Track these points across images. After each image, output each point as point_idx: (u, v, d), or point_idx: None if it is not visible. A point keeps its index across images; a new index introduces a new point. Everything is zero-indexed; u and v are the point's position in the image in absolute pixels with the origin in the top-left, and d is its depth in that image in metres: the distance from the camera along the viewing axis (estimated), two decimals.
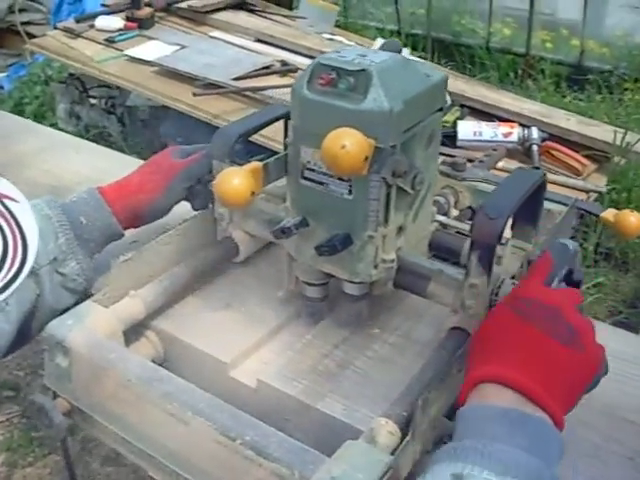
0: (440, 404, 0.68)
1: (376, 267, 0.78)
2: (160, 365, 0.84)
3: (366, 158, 0.63)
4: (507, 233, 0.89)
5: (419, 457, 0.67)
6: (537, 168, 2.06)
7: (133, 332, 0.84)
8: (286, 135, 0.83)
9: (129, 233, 0.93)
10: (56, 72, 3.30)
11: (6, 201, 0.57)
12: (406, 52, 2.73)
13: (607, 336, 0.88)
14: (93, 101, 3.17)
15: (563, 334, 0.62)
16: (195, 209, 0.96)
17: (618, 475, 0.71)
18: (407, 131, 0.73)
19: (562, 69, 3.85)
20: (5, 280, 0.55)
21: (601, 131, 2.28)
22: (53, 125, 3.15)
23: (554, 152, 2.11)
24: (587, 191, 2.01)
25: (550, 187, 0.91)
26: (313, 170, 0.75)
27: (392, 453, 0.63)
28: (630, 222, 0.90)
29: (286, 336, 0.85)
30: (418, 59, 2.60)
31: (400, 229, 0.79)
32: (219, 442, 0.65)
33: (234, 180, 0.71)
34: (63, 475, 1.73)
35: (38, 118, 3.20)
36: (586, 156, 2.18)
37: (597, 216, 0.97)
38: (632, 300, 2.43)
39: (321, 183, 0.75)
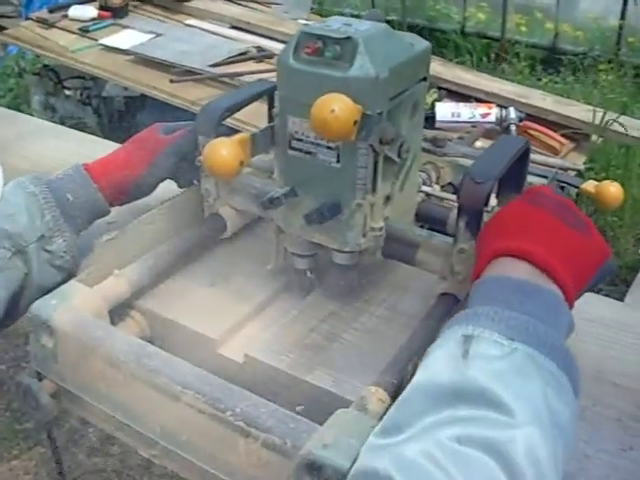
0: None
1: (365, 235, 0.78)
2: None
3: (355, 122, 0.63)
4: (493, 201, 0.90)
5: None
6: None
7: (118, 313, 0.83)
8: (271, 107, 0.82)
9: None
10: (30, 64, 3.25)
11: None
12: None
13: (592, 303, 0.89)
14: (68, 92, 3.13)
15: (575, 222, 0.65)
16: (181, 186, 0.95)
17: (607, 436, 0.71)
18: (393, 99, 0.73)
19: (537, 52, 3.88)
20: None
21: (578, 110, 2.29)
22: None
23: (532, 132, 2.12)
24: (565, 169, 2.01)
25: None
26: (301, 140, 0.74)
27: None
28: (610, 192, 0.90)
29: (273, 311, 0.85)
30: None
31: (387, 198, 0.79)
32: (209, 415, 0.64)
33: (222, 150, 0.70)
34: (49, 467, 1.71)
35: (13, 110, 3.15)
36: (564, 135, 2.19)
37: (577, 188, 0.97)
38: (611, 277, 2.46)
39: (309, 153, 0.74)
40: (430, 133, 1.01)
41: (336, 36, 0.69)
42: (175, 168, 0.91)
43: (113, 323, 0.81)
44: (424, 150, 0.98)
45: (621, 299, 2.16)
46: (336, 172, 0.73)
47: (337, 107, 0.61)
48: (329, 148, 0.73)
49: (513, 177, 0.85)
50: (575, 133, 2.23)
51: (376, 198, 0.76)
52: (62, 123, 3.06)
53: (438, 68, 2.42)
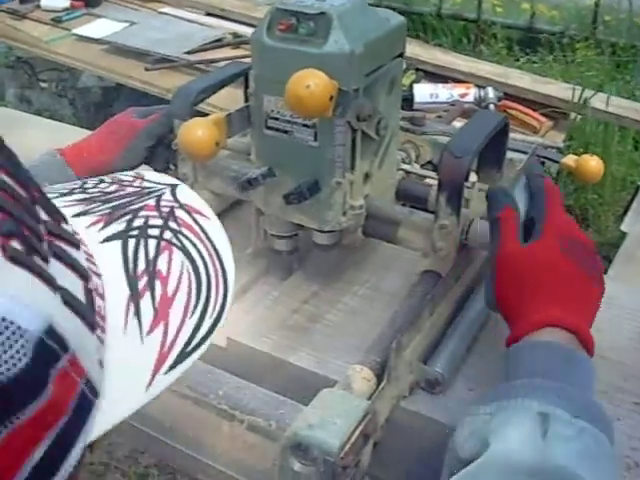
0: (414, 348, 0.68)
1: (345, 214, 0.77)
2: None
3: (331, 98, 0.62)
4: (473, 177, 0.89)
5: (396, 402, 0.67)
6: None
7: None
8: (247, 86, 0.81)
9: None
10: (2, 57, 3.21)
11: (197, 217, 0.45)
12: None
13: None
14: (43, 85, 3.09)
15: (596, 273, 0.67)
16: (157, 171, 0.94)
17: None
18: (369, 75, 0.72)
19: (514, 33, 3.87)
20: (214, 315, 0.41)
21: (556, 88, 2.29)
22: None
23: (511, 111, 2.12)
24: (545, 147, 2.02)
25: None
26: (277, 119, 0.74)
27: (369, 399, 0.63)
28: (590, 166, 0.90)
29: (255, 294, 0.84)
30: None
31: (367, 176, 0.78)
32: (192, 399, 0.64)
33: (198, 131, 0.69)
34: None
35: None
36: (542, 114, 2.19)
37: (558, 162, 0.97)
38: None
39: (286, 132, 0.74)
40: (408, 113, 1.00)
41: (310, 12, 0.68)
42: (150, 152, 0.90)
43: None
44: (403, 129, 0.98)
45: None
46: (314, 151, 0.73)
47: (312, 83, 0.60)
48: (306, 126, 0.72)
49: (492, 152, 0.85)
50: (554, 111, 2.23)
51: (355, 176, 0.75)
52: (38, 115, 3.03)
53: (416, 49, 2.41)
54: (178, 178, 0.89)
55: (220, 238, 0.44)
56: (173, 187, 0.47)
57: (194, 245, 0.42)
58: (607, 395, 0.72)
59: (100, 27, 2.52)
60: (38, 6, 2.69)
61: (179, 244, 0.42)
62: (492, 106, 2.09)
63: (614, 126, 2.48)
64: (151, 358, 0.38)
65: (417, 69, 2.28)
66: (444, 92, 2.10)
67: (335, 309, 0.81)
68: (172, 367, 0.38)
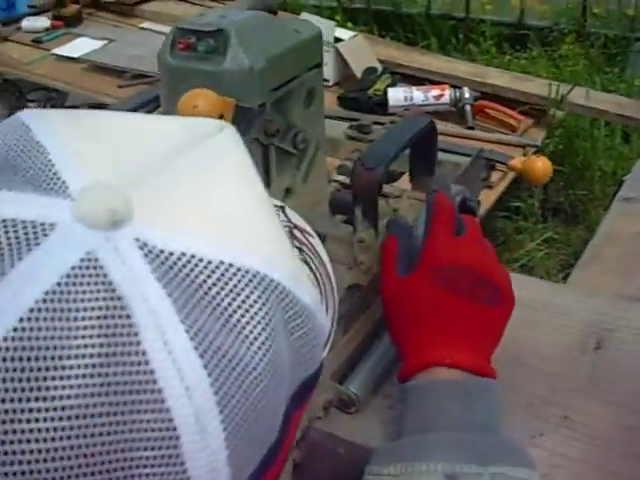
0: (325, 367, 0.67)
1: None
2: None
3: (221, 117, 0.61)
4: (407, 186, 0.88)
5: (308, 424, 0.66)
6: (471, 128, 2.05)
7: None
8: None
9: None
10: None
11: (307, 237, 0.45)
12: (345, 32, 2.71)
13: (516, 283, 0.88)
14: (31, 105, 3.11)
15: (487, 294, 0.63)
16: None
17: (518, 423, 0.69)
18: (277, 89, 0.71)
19: (503, 29, 3.85)
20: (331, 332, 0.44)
21: (536, 85, 2.28)
22: None
23: (488, 110, 2.11)
24: (523, 146, 2.01)
25: (486, 145, 0.91)
26: None
27: None
28: (537, 167, 0.89)
29: None
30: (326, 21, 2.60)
31: (288, 190, 0.78)
32: None
33: None
34: None
35: None
36: (523, 112, 2.18)
37: (505, 164, 0.97)
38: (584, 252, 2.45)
39: None
40: (355, 122, 0.99)
41: (207, 29, 0.68)
42: None
43: None
44: (349, 137, 0.98)
45: None
46: None
47: (200, 102, 0.60)
48: None
49: (422, 158, 0.84)
50: (534, 109, 2.22)
51: (271, 192, 0.74)
52: None
53: (394, 53, 2.42)
54: None
55: (325, 256, 0.46)
56: (283, 208, 0.48)
57: (313, 264, 0.44)
58: (532, 409, 0.71)
59: (79, 46, 2.54)
60: (19, 28, 2.72)
61: (303, 258, 0.43)
62: (468, 107, 2.09)
63: (601, 121, 2.46)
64: None
65: (393, 72, 2.27)
66: (419, 95, 2.09)
67: None
68: None
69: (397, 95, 2.08)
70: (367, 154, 0.72)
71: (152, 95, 0.89)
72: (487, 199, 1.81)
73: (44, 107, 3.08)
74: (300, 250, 0.43)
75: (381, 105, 2.06)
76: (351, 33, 2.50)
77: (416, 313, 0.63)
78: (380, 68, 2.32)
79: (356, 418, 0.68)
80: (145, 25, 2.76)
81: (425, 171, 0.85)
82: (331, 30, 2.32)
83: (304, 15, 2.40)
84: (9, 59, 2.55)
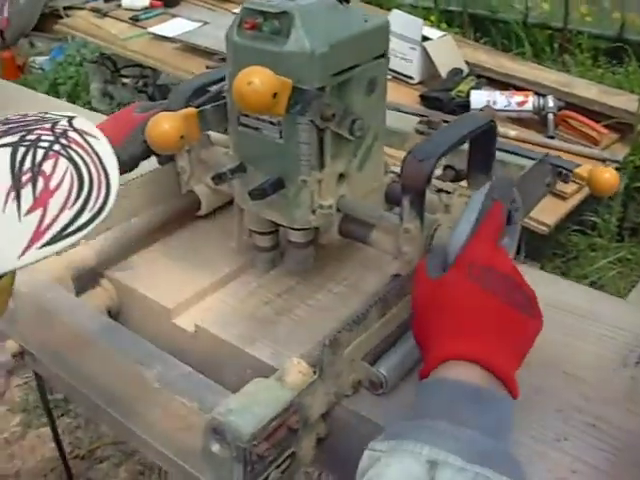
0: (358, 346, 0.68)
1: (314, 213, 0.78)
2: (115, 313, 0.86)
3: (275, 95, 0.63)
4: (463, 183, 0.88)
5: (335, 400, 0.68)
6: (551, 137, 2.02)
7: (89, 280, 0.86)
8: None
9: None
10: (90, 52, 3.36)
11: (87, 137, 0.57)
12: (434, 32, 2.69)
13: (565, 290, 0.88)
14: (125, 80, 3.22)
15: (521, 303, 0.62)
16: (160, 163, 0.98)
17: (544, 425, 0.69)
18: (338, 74, 0.73)
19: (600, 43, 3.75)
20: (94, 210, 0.54)
21: (625, 100, 2.22)
22: (86, 104, 3.23)
23: (571, 121, 2.07)
24: (604, 160, 1.96)
25: (565, 156, 0.90)
26: (247, 116, 0.76)
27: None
28: (604, 178, 0.88)
29: (234, 285, 0.86)
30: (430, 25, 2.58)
31: (341, 176, 0.79)
32: (134, 375, 0.67)
33: (164, 124, 0.72)
34: (73, 436, 1.78)
35: (72, 98, 3.27)
36: (608, 126, 2.13)
37: (571, 172, 0.95)
38: None
39: (256, 129, 0.76)
40: (425, 118, 1.00)
41: (273, 10, 0.70)
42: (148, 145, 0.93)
43: (84, 290, 0.84)
44: (418, 132, 0.98)
45: None
46: (280, 148, 0.74)
47: (256, 79, 0.62)
48: (272, 124, 0.74)
49: (479, 157, 0.84)
50: (620, 124, 2.16)
51: (324, 175, 0.76)
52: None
53: (481, 56, 2.39)
54: (178, 173, 0.94)
55: (107, 153, 0.57)
56: (71, 117, 0.58)
57: (80, 156, 0.54)
58: (562, 414, 0.70)
59: (174, 26, 2.61)
60: (119, 5, 2.81)
61: (66, 154, 0.54)
62: (551, 115, 2.05)
63: None
64: (26, 234, 0.50)
65: (478, 75, 2.25)
66: (502, 99, 2.07)
67: (305, 304, 0.82)
68: (46, 244, 0.51)
69: (480, 98, 2.07)
70: (420, 146, 0.73)
71: (221, 74, 0.92)
72: (558, 210, 1.78)
73: (137, 83, 3.19)
74: (65, 147, 0.54)
75: (463, 107, 2.04)
76: (440, 33, 2.49)
77: (443, 308, 0.62)
78: (466, 70, 2.31)
79: (382, 400, 0.70)
80: (238, 10, 2.80)
81: (481, 169, 0.85)
82: (419, 28, 2.31)
83: (394, 12, 2.40)
84: (107, 34, 2.64)
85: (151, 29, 2.60)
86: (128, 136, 0.92)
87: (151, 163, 0.96)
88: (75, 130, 0.57)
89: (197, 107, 0.78)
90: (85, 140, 0.57)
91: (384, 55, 0.80)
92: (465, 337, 0.60)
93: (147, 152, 0.95)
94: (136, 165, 0.96)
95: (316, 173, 0.76)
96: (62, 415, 1.82)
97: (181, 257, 0.90)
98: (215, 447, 0.59)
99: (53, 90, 3.34)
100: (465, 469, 0.50)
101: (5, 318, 0.80)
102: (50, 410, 1.10)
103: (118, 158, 0.91)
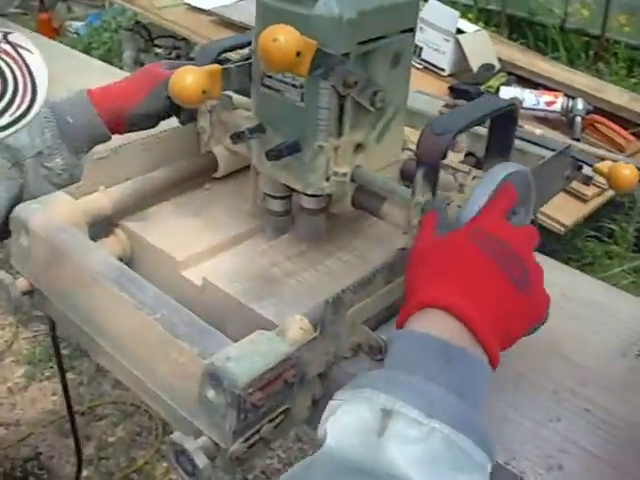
0: (360, 310, 0.69)
1: (328, 179, 0.79)
2: (126, 263, 0.88)
3: (299, 54, 0.64)
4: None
5: (333, 360, 0.69)
6: (577, 140, 2.01)
7: (104, 229, 0.87)
8: None
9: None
10: (126, 21, 3.39)
11: (20, 50, 0.61)
12: (470, 26, 2.68)
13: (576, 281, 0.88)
14: (158, 50, 3.25)
15: (518, 276, 0.61)
16: (181, 122, 0.99)
17: (537, 405, 0.70)
18: (364, 43, 0.74)
19: (638, 54, 3.72)
20: (16, 115, 0.58)
21: None
22: None
23: (598, 126, 2.06)
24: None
25: None
26: (271, 77, 0.77)
27: None
28: (623, 174, 0.89)
29: (244, 246, 0.87)
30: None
31: (359, 146, 0.80)
32: (138, 318, 0.68)
33: (187, 78, 0.73)
34: (75, 392, 1.81)
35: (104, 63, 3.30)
36: (635, 134, 2.12)
37: (591, 166, 0.96)
38: None
39: (278, 90, 0.77)
40: (449, 106, 1.00)
41: None
42: (173, 102, 0.94)
43: (97, 237, 0.86)
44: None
45: None
46: (300, 111, 0.75)
47: (281, 36, 0.63)
48: (294, 86, 0.75)
49: (498, 141, 0.85)
50: None
51: (341, 142, 0.77)
52: None
53: (514, 54, 2.39)
54: (198, 132, 0.95)
55: (38, 65, 0.63)
56: (7, 32, 0.62)
57: (8, 65, 0.61)
58: (556, 395, 0.71)
59: (212, 0, 2.62)
60: None
61: None
62: (579, 118, 2.04)
63: None
64: None
65: (509, 73, 2.25)
66: (531, 97, 2.06)
67: (314, 269, 0.83)
68: None
69: (509, 94, 2.06)
70: (438, 120, 0.73)
71: (249, 38, 0.93)
72: (577, 211, 1.78)
73: (169, 54, 3.21)
74: None
75: None
76: (475, 27, 2.49)
77: (434, 257, 0.62)
78: (497, 66, 2.30)
79: (380, 366, 0.70)
80: None
81: (499, 153, 0.86)
82: (455, 20, 2.31)
83: (431, 2, 2.40)
84: (144, 1, 2.66)
85: (187, 0, 2.61)
86: (151, 90, 0.93)
87: (171, 123, 0.97)
88: (8, 42, 0.61)
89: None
90: (17, 52, 0.62)
91: (412, 30, 0.80)
92: (446, 284, 0.59)
93: (169, 109, 0.96)
94: (157, 121, 0.98)
95: (333, 140, 0.77)
96: (67, 371, 1.85)
97: (195, 214, 0.91)
98: (210, 393, 0.61)
99: (86, 54, 3.36)
100: (421, 422, 0.49)
101: (18, 256, 0.82)
102: (62, 362, 1.11)
103: (139, 112, 0.94)
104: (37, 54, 0.63)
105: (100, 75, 1.45)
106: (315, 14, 0.70)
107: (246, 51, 0.90)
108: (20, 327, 2.04)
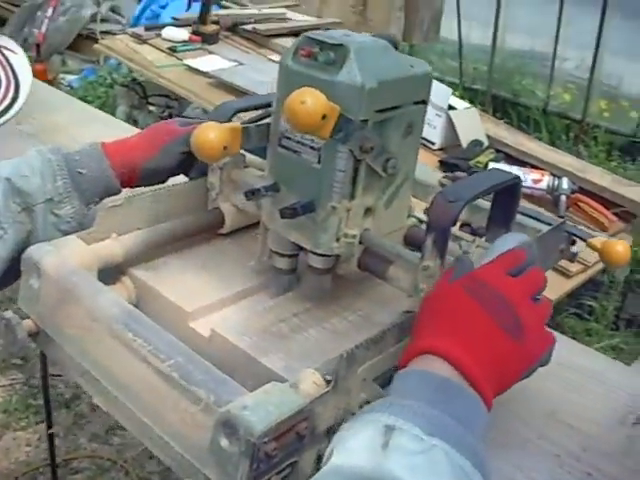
0: (371, 368, 0.71)
1: (338, 240, 0.81)
2: None
3: (324, 117, 0.67)
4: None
5: (343, 414, 0.70)
6: (561, 217, 2.06)
7: (111, 276, 0.88)
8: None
9: None
10: (121, 77, 3.45)
11: (4, 50, 0.63)
12: (460, 102, 2.77)
13: (569, 348, 0.91)
14: (151, 108, 3.30)
15: (509, 324, 0.65)
16: (191, 179, 1.01)
17: (541, 467, 0.72)
18: (381, 112, 0.77)
19: (616, 139, 3.86)
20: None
21: (636, 191, 2.28)
22: None
23: (582, 205, 2.12)
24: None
25: None
26: (289, 138, 0.80)
27: None
28: (616, 250, 0.92)
29: (250, 301, 0.89)
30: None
31: (369, 210, 0.83)
32: (153, 367, 0.69)
33: (210, 133, 0.76)
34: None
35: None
36: (616, 214, 2.19)
37: (585, 241, 0.99)
38: None
39: (295, 151, 0.79)
40: (451, 174, 1.04)
41: (331, 42, 0.74)
42: (184, 158, 0.96)
43: (104, 284, 0.87)
44: (442, 186, 1.02)
45: None
46: (316, 172, 0.78)
47: (308, 99, 0.66)
48: (312, 148, 0.78)
49: (500, 212, 0.88)
50: (628, 213, 2.22)
51: (353, 205, 0.80)
52: None
53: (502, 132, 2.46)
54: (207, 188, 0.97)
55: (21, 65, 0.69)
56: None
57: None
58: (559, 459, 0.73)
59: (210, 62, 2.69)
60: (159, 35, 2.90)
61: None
62: (564, 197, 2.10)
63: None
64: None
65: (497, 150, 2.32)
66: (518, 174, 2.11)
67: (320, 327, 0.84)
68: None
69: None
70: (450, 188, 0.77)
71: (264, 100, 0.97)
72: (560, 288, 1.81)
73: (162, 112, 3.26)
74: None
75: None
76: (465, 104, 2.57)
77: (432, 304, 0.68)
78: (486, 143, 2.37)
79: None
80: (273, 57, 2.89)
81: (502, 224, 0.89)
82: (447, 96, 2.39)
83: None
84: (143, 59, 2.72)
85: (187, 61, 2.67)
86: (167, 145, 0.96)
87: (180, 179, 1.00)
88: None
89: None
90: (1, 52, 0.62)
91: (424, 102, 0.84)
92: (443, 335, 0.64)
93: (180, 165, 0.99)
94: (167, 177, 1.00)
95: (346, 202, 0.79)
96: (42, 422, 1.82)
97: (201, 268, 0.93)
98: (224, 442, 0.61)
99: None
100: (422, 438, 0.52)
101: (26, 298, 0.83)
102: (50, 409, 1.10)
103: (151, 167, 0.96)
104: (21, 54, 0.70)
105: (103, 126, 1.49)
106: (339, 81, 0.73)
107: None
108: None
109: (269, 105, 0.94)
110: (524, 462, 0.71)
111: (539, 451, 0.75)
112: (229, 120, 0.91)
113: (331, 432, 0.69)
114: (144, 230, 0.91)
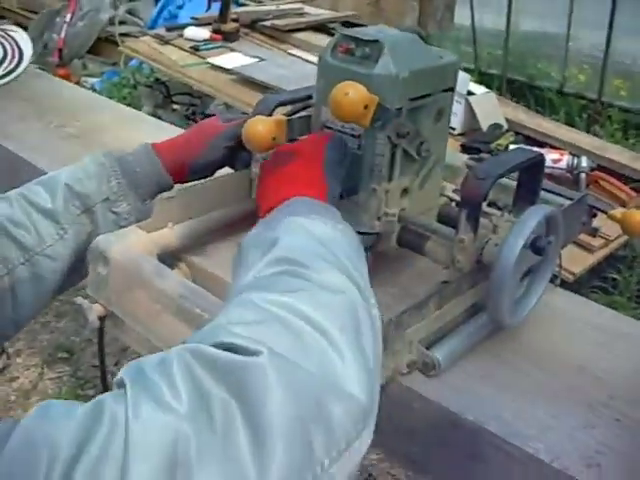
0: (417, 330, 0.78)
1: (379, 219, 0.88)
2: None
3: (366, 107, 0.74)
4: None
5: (392, 375, 0.77)
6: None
7: (168, 263, 0.96)
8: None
9: None
10: (144, 77, 3.53)
11: (6, 29, 0.78)
12: (479, 88, 2.83)
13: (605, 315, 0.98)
14: (175, 106, 3.38)
15: (285, 159, 0.81)
16: (235, 170, 1.08)
17: (574, 415, 0.79)
18: (414, 100, 0.84)
19: (632, 117, 3.87)
20: (8, 69, 0.76)
21: None
22: None
23: (602, 182, 2.18)
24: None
25: None
26: (330, 128, 0.87)
27: None
28: (637, 221, 0.98)
29: None
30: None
31: (405, 191, 0.90)
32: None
33: (259, 126, 0.83)
34: None
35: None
36: (636, 190, 2.24)
37: (606, 213, 1.05)
38: None
39: None
40: (477, 156, 1.11)
41: (366, 38, 0.81)
42: (230, 152, 1.03)
43: None
44: (469, 167, 1.09)
45: None
46: (357, 158, 0.85)
47: (351, 91, 0.73)
48: (353, 136, 0.85)
49: (526, 188, 0.95)
50: None
51: (391, 186, 0.87)
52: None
53: (521, 115, 2.52)
54: (250, 179, 1.04)
55: (22, 39, 0.84)
56: None
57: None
58: (591, 407, 0.80)
59: (232, 59, 2.76)
60: (181, 35, 2.98)
61: None
62: (583, 175, 2.16)
63: None
64: None
65: (517, 132, 2.38)
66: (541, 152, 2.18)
67: None
68: None
69: None
70: (480, 166, 0.84)
71: (302, 93, 1.04)
72: (584, 262, 1.87)
73: (187, 110, 3.34)
74: None
75: None
76: (484, 89, 2.63)
77: (267, 185, 0.82)
78: (505, 126, 2.43)
79: (433, 381, 0.79)
80: (293, 51, 2.96)
81: (527, 199, 0.95)
82: (465, 83, 2.45)
83: None
84: (167, 59, 2.80)
85: (210, 60, 2.75)
86: (212, 140, 1.03)
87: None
88: None
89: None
90: (3, 31, 0.83)
91: (452, 89, 0.91)
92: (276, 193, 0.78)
93: (225, 160, 1.06)
94: (214, 170, 1.07)
95: (385, 184, 0.86)
96: None
97: None
98: None
99: None
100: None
101: (95, 284, 0.91)
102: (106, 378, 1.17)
103: (199, 163, 1.03)
104: (20, 31, 0.86)
105: (141, 125, 1.57)
106: (375, 73, 0.80)
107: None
108: (45, 368, 2.11)
109: (307, 98, 1.01)
110: (558, 410, 0.78)
111: (570, 401, 0.81)
112: (271, 113, 0.98)
113: (382, 391, 0.77)
114: (196, 219, 0.98)
